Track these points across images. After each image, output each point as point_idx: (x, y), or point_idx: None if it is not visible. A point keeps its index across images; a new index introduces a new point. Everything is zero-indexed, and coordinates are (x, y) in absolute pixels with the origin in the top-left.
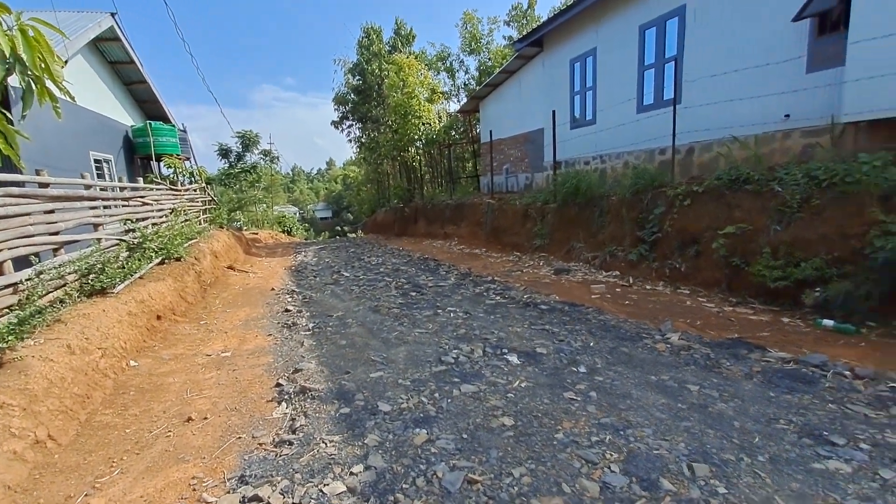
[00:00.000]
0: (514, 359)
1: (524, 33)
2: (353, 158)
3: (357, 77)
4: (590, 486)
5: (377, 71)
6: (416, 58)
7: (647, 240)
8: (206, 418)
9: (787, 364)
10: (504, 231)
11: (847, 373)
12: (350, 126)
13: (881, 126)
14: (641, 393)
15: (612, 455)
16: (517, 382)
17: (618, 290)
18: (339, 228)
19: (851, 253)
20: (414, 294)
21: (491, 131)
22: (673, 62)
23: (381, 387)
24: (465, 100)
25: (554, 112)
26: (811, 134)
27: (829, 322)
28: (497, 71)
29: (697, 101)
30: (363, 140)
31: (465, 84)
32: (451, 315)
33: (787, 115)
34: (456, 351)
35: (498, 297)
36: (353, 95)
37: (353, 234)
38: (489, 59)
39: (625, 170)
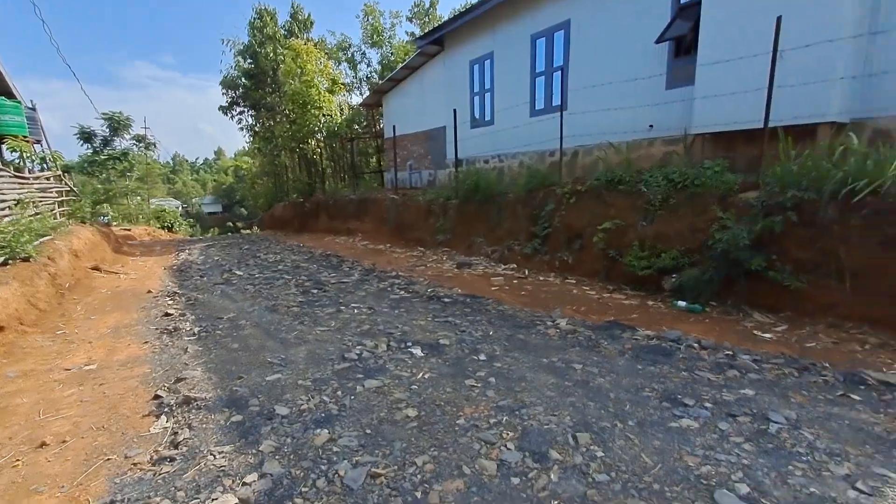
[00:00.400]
0: (417, 351)
1: (426, 31)
2: (247, 148)
3: (249, 60)
4: (488, 465)
5: (272, 55)
6: (315, 45)
7: (539, 235)
8: (64, 441)
9: (652, 340)
10: (408, 226)
11: (695, 345)
12: (241, 113)
13: (721, 137)
14: (534, 375)
15: (508, 434)
16: (421, 374)
17: (515, 281)
18: (231, 224)
19: (699, 245)
20: (315, 291)
21: (394, 126)
22: (560, 71)
23: (278, 389)
24: (367, 93)
25: (455, 111)
26: (670, 143)
27: (682, 303)
28: (399, 66)
29: (581, 108)
30: (257, 129)
31: (367, 77)
32: (355, 311)
33: (651, 126)
34: (360, 347)
35: (402, 292)
36: (244, 80)
37: (248, 230)
38: (392, 53)
39: (520, 169)
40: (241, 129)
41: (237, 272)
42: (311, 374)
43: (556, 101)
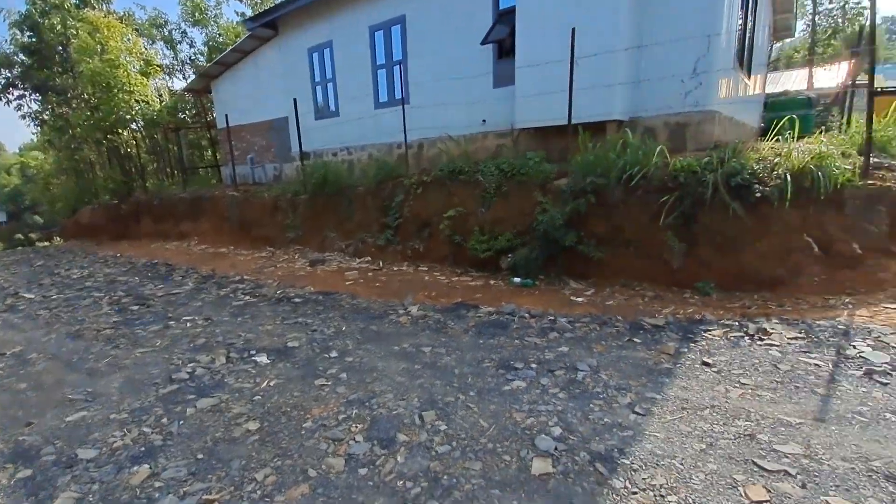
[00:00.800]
0: (263, 359)
1: (257, 12)
2: (35, 141)
3: (28, 33)
4: (335, 462)
5: (60, 28)
6: (120, 19)
7: (391, 225)
8: None
9: (492, 316)
10: (254, 225)
11: (527, 315)
12: (22, 97)
13: (539, 132)
14: (386, 364)
15: (356, 427)
16: (266, 383)
17: (370, 273)
18: (21, 237)
19: (527, 227)
20: (136, 308)
21: (227, 116)
22: (399, 65)
23: (83, 430)
24: (193, 77)
25: (295, 100)
26: (500, 136)
27: (517, 280)
28: (229, 49)
29: (422, 102)
30: (46, 117)
31: (191, 59)
32: (188, 325)
33: (485, 121)
34: (192, 364)
35: (247, 297)
36: (22, 56)
37: (47, 242)
38: (220, 34)
39: (369, 161)
40: (24, 117)
41: (26, 295)
42: (127, 405)
43: (399, 95)
